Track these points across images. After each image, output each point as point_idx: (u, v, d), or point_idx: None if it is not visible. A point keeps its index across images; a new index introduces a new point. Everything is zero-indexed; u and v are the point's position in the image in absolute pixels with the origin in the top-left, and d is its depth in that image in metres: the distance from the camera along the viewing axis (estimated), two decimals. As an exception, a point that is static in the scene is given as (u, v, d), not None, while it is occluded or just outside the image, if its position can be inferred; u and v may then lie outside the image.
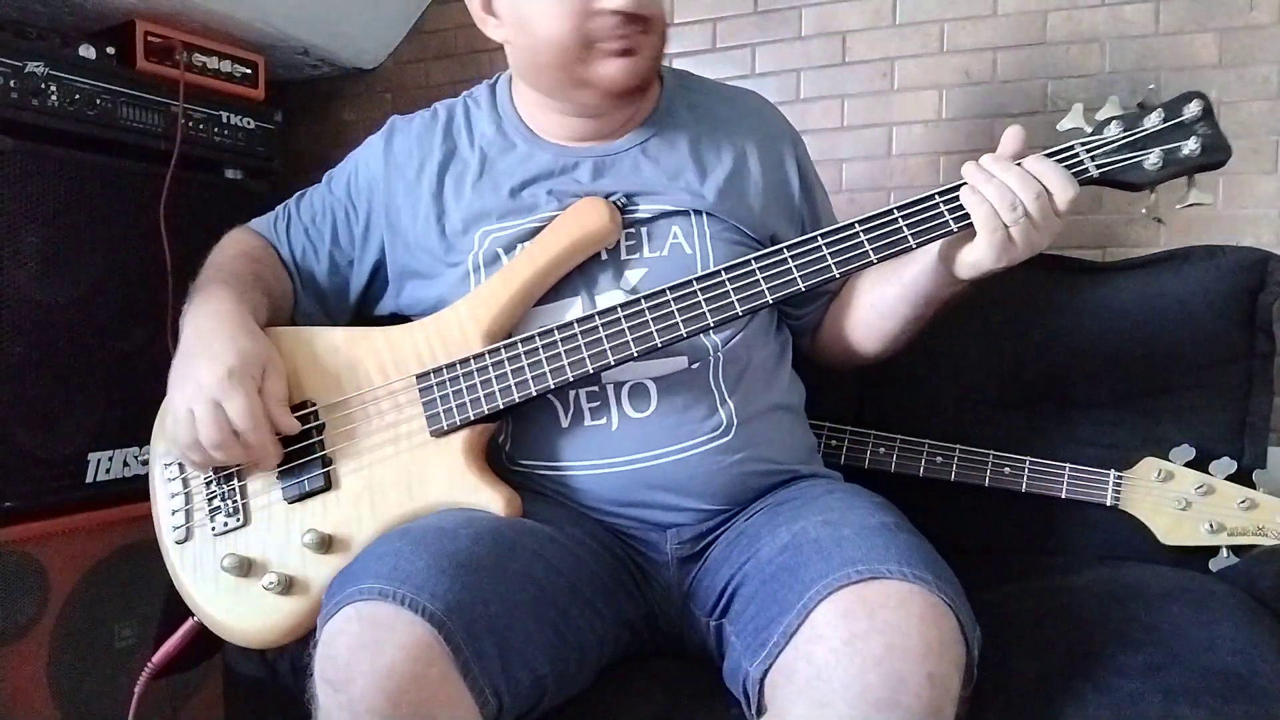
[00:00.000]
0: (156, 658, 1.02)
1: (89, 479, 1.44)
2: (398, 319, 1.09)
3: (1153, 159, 0.85)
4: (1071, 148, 0.87)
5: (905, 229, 0.87)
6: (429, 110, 1.12)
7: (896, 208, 0.88)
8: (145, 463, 1.47)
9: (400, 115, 1.13)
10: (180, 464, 1.01)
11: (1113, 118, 0.87)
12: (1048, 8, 1.47)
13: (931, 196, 0.87)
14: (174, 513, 1.00)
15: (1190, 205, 0.86)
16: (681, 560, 0.98)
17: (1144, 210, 0.89)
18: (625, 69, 0.94)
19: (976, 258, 0.86)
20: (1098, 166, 0.86)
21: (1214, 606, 0.94)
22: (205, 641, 1.00)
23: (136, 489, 1.47)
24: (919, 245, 0.87)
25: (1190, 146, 0.84)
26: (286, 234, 1.14)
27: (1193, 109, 0.84)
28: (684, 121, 1.05)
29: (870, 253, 0.88)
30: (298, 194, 1.17)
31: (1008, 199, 0.82)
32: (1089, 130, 0.87)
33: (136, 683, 1.04)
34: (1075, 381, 1.26)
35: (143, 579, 1.47)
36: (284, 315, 1.10)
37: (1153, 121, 0.86)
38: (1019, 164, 0.84)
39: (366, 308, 1.15)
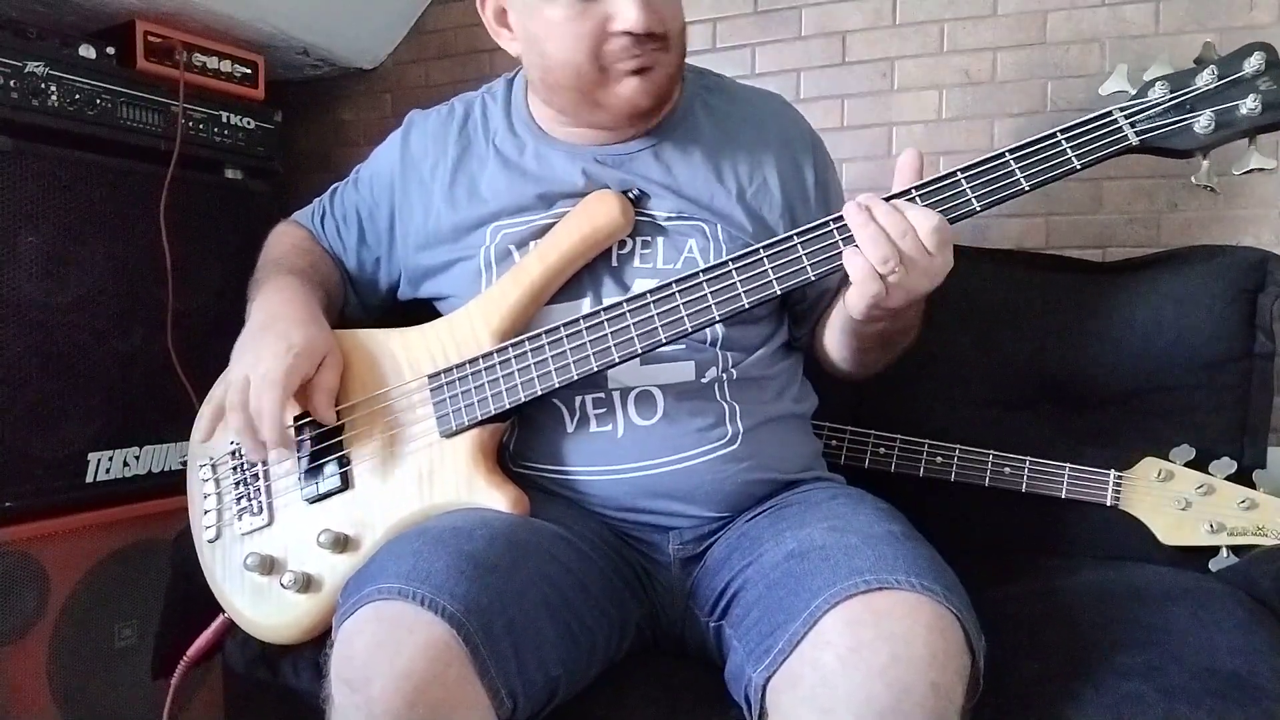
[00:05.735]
0: (191, 651, 1.03)
1: (89, 479, 1.44)
2: (424, 306, 1.11)
3: (1203, 121, 0.77)
4: (1109, 114, 0.79)
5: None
6: (447, 105, 1.11)
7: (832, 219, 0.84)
8: (144, 462, 1.49)
9: (419, 110, 1.12)
10: (214, 465, 1.03)
11: (1159, 78, 0.79)
12: (1048, 8, 1.47)
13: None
14: (206, 513, 1.02)
15: (1250, 170, 0.78)
16: (684, 561, 0.98)
17: (1193, 179, 0.80)
18: (642, 89, 0.92)
19: (850, 303, 0.83)
20: (1138, 133, 0.78)
21: (1214, 606, 0.94)
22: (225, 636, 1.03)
23: (136, 489, 1.49)
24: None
25: (1249, 105, 0.75)
26: (323, 229, 1.16)
27: (1254, 63, 0.76)
28: (701, 125, 1.03)
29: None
30: (332, 188, 1.18)
31: (881, 248, 0.78)
32: (1133, 93, 0.80)
33: (152, 678, 1.07)
34: (1075, 381, 1.26)
35: (142, 579, 1.48)
36: (337, 306, 1.12)
37: (1205, 80, 0.77)
38: (885, 202, 0.80)
39: (397, 299, 1.16)
